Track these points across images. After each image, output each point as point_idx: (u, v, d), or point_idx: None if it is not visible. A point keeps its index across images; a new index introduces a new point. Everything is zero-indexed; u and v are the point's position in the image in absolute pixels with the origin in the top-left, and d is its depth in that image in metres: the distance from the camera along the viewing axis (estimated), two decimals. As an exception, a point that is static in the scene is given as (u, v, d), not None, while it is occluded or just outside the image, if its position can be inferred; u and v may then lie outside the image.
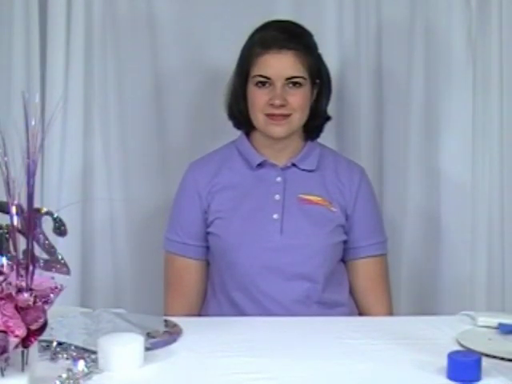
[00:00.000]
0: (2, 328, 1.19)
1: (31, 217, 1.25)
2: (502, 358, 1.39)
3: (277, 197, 1.86)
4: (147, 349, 1.41)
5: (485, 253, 2.14)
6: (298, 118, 1.85)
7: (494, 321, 1.58)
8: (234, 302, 1.84)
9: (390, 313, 1.93)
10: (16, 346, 1.20)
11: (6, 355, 1.20)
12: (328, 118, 1.96)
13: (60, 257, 1.35)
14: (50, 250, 1.34)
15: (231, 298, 1.85)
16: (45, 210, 1.34)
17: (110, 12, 2.20)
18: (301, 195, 1.86)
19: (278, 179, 1.88)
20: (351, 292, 1.92)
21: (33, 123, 1.23)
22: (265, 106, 1.83)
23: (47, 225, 1.34)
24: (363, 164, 2.22)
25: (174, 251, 1.92)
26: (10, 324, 1.19)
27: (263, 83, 1.83)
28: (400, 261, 2.21)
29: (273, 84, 1.82)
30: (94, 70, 2.18)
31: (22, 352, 1.23)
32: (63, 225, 1.35)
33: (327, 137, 2.23)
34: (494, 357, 1.40)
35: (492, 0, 2.10)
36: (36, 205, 1.28)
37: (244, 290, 1.83)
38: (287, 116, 1.83)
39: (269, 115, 1.84)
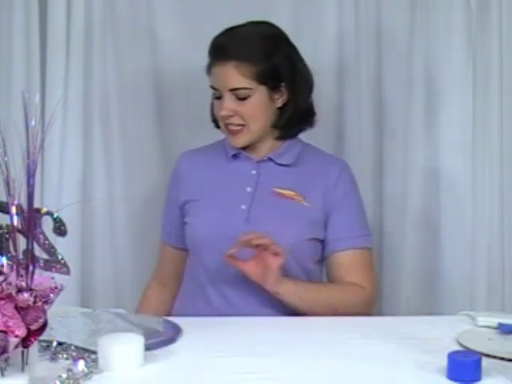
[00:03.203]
0: (2, 328, 1.19)
1: (31, 217, 1.25)
2: (502, 358, 1.39)
3: (248, 189, 1.86)
4: (147, 349, 1.41)
5: (485, 253, 2.14)
6: (254, 126, 1.84)
7: (494, 321, 1.58)
8: (207, 297, 1.83)
9: (372, 292, 1.86)
10: (16, 346, 1.20)
11: (5, 355, 1.20)
12: (306, 115, 1.92)
13: (60, 257, 1.35)
14: (50, 250, 1.34)
15: (204, 292, 1.83)
16: (45, 209, 1.34)
17: (109, 12, 2.20)
18: (273, 189, 1.84)
19: (253, 172, 1.88)
20: None
21: (33, 123, 1.23)
22: (220, 117, 1.86)
23: (47, 225, 1.34)
24: (363, 164, 2.23)
25: (163, 239, 2.00)
26: (10, 324, 1.19)
27: (218, 94, 1.85)
28: (400, 261, 2.21)
29: (222, 95, 1.83)
30: (94, 70, 2.19)
31: (22, 352, 1.23)
32: (63, 225, 1.35)
33: (327, 137, 2.24)
34: (494, 357, 1.39)
35: (492, 0, 2.10)
36: (36, 205, 1.28)
37: (213, 283, 1.81)
38: (242, 126, 1.84)
39: (226, 125, 1.85)
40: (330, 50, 2.23)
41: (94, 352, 1.38)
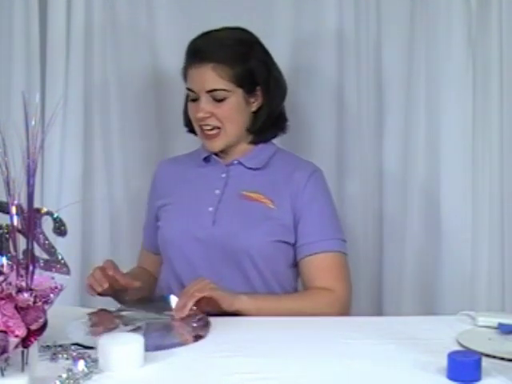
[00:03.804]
0: (2, 328, 1.19)
1: (31, 217, 1.25)
2: (502, 358, 1.39)
3: (217, 191, 1.87)
4: (164, 348, 1.43)
5: (485, 253, 2.14)
6: (229, 129, 1.86)
7: (494, 321, 1.58)
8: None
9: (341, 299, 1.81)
10: (16, 346, 1.20)
11: (5, 355, 1.20)
12: (279, 121, 1.94)
13: (60, 257, 1.35)
14: (50, 250, 1.35)
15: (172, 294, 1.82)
16: (45, 209, 1.34)
17: (109, 12, 2.20)
18: (241, 191, 1.85)
19: (223, 175, 1.90)
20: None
21: (33, 123, 1.23)
22: (195, 119, 1.87)
23: (47, 225, 1.34)
24: (364, 164, 2.24)
25: (143, 243, 2.05)
26: (10, 324, 1.19)
27: (194, 96, 1.86)
28: (401, 261, 2.21)
29: (199, 97, 1.84)
30: (94, 70, 2.19)
31: (22, 352, 1.23)
32: (63, 225, 1.35)
33: (327, 137, 2.24)
34: (494, 357, 1.39)
35: (492, 0, 2.10)
36: (36, 205, 1.28)
37: (180, 286, 1.80)
38: (218, 128, 1.85)
39: (202, 129, 1.86)
40: (330, 50, 2.23)
41: (92, 348, 1.38)
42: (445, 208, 2.18)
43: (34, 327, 1.21)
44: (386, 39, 2.23)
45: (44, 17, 2.15)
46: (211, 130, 1.85)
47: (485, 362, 1.33)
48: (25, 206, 1.25)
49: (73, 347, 1.43)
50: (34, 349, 1.26)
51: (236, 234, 1.78)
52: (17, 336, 1.19)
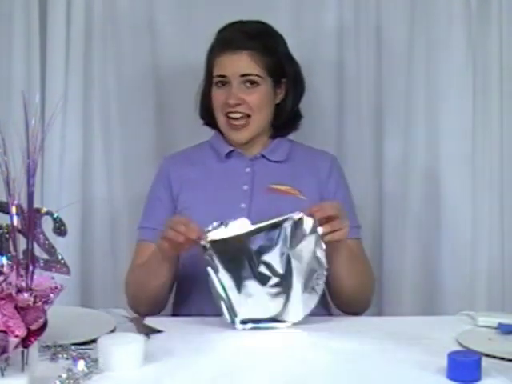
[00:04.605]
0: (2, 328, 1.19)
1: (31, 217, 1.26)
2: (502, 358, 1.39)
3: (245, 187, 1.87)
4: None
5: (485, 253, 2.14)
6: (257, 119, 1.87)
7: (494, 321, 1.58)
8: (191, 300, 1.81)
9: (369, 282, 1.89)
10: (16, 346, 1.20)
11: (5, 355, 1.20)
12: (296, 117, 1.97)
13: (60, 257, 1.35)
14: (50, 250, 1.35)
15: (190, 295, 1.82)
16: (45, 210, 1.34)
17: (110, 11, 2.20)
18: (269, 185, 1.83)
19: (247, 170, 1.90)
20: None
21: (33, 123, 1.23)
22: (223, 106, 1.87)
23: (47, 225, 1.34)
24: (363, 163, 2.24)
25: (145, 238, 1.89)
26: (10, 324, 1.19)
27: (223, 83, 1.87)
28: (401, 261, 2.21)
29: (230, 83, 1.85)
30: (94, 70, 2.19)
31: (22, 352, 1.23)
32: (63, 225, 1.35)
33: (327, 137, 2.24)
34: (494, 357, 1.40)
35: (492, 0, 2.10)
36: (36, 205, 1.28)
37: (203, 286, 1.74)
38: (247, 118, 1.85)
39: (228, 118, 1.86)
40: (330, 49, 2.23)
41: (94, 341, 1.39)
42: (445, 209, 2.18)
43: (34, 327, 1.21)
44: (385, 38, 2.23)
45: (44, 17, 2.15)
46: (239, 119, 1.86)
47: (485, 362, 1.33)
48: (25, 206, 1.25)
49: (73, 347, 1.43)
50: (33, 349, 1.26)
51: None
52: (17, 336, 1.19)
